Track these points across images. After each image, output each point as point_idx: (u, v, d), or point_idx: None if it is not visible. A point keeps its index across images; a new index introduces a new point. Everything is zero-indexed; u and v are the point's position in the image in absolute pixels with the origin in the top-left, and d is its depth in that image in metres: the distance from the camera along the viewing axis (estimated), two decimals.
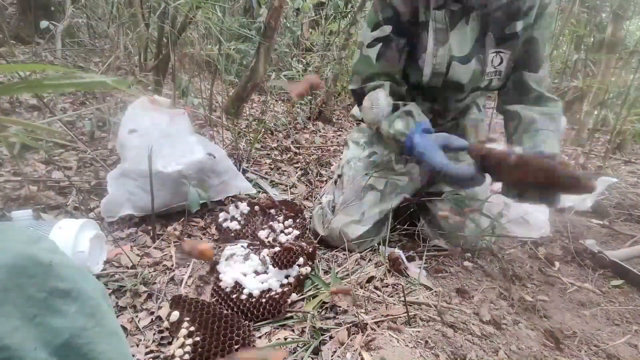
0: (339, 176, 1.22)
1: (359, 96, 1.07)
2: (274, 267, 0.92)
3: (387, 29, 1.01)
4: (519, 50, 1.04)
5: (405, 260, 1.02)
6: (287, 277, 0.92)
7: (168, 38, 1.64)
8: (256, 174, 1.58)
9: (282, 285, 0.90)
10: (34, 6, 2.62)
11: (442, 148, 0.89)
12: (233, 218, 1.17)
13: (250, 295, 0.86)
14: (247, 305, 0.83)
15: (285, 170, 1.70)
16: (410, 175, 1.19)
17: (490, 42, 1.01)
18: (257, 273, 0.93)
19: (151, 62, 1.88)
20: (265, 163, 1.73)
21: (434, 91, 1.09)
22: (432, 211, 1.20)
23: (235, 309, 0.82)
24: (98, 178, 1.30)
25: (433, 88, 1.07)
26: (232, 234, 1.10)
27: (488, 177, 0.87)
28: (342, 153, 1.38)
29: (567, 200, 1.50)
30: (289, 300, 0.86)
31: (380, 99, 0.99)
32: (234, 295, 0.86)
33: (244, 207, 1.20)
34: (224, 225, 1.13)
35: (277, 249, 0.98)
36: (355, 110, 1.37)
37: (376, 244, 1.15)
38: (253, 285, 0.88)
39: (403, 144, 0.95)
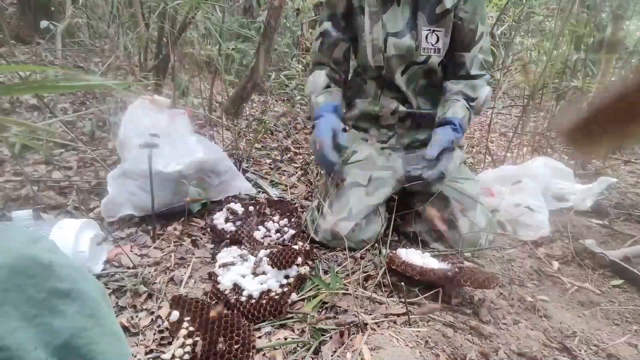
0: (324, 181, 1.25)
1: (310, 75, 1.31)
2: (273, 267, 0.92)
3: (325, 25, 1.22)
4: (453, 29, 1.15)
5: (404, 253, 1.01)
6: (286, 277, 0.92)
7: (168, 38, 1.64)
8: (256, 174, 1.58)
9: (281, 286, 0.90)
10: (34, 6, 2.62)
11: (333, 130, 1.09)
12: (228, 219, 1.16)
13: (249, 297, 0.86)
14: (248, 307, 0.83)
15: (285, 170, 1.70)
16: (392, 169, 1.21)
17: (423, 21, 1.13)
18: (255, 274, 0.93)
19: (151, 62, 1.88)
20: (265, 163, 1.73)
21: (384, 73, 1.22)
22: (423, 215, 1.20)
23: (235, 311, 0.82)
24: (98, 178, 1.30)
25: (381, 69, 1.21)
26: (228, 236, 1.10)
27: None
28: None
29: (567, 200, 1.50)
30: (289, 301, 0.86)
31: (320, 76, 1.25)
32: (234, 298, 0.86)
33: (238, 207, 1.20)
34: (219, 227, 1.12)
35: (274, 249, 0.98)
36: None
37: (375, 243, 1.15)
38: (252, 287, 0.88)
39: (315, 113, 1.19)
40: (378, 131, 1.31)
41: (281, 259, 0.92)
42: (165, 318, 0.79)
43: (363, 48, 1.19)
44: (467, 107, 1.15)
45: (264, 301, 0.84)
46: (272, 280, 0.90)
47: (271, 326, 0.81)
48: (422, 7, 1.13)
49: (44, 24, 2.01)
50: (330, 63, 1.26)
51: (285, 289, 0.88)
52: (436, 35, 1.14)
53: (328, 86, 1.24)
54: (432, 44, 1.15)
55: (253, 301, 0.85)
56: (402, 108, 1.25)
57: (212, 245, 1.10)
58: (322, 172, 1.71)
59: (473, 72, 1.18)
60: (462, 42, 1.17)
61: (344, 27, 1.21)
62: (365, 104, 1.30)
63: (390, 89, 1.25)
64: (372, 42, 1.16)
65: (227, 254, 0.99)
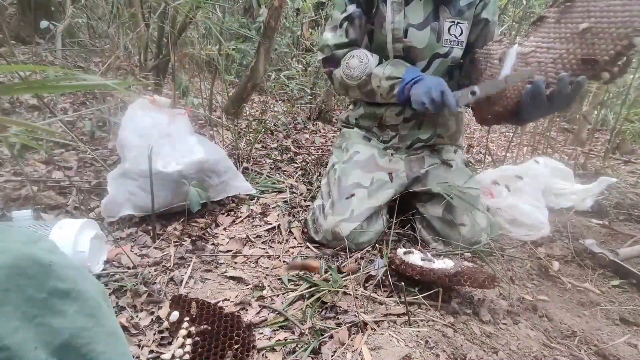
0: (326, 181, 1.26)
1: (330, 61, 1.22)
2: None
3: (350, 8, 1.17)
4: (475, 30, 1.17)
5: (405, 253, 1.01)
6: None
7: (168, 38, 1.64)
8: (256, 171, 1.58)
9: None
10: (34, 6, 2.63)
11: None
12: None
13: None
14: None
15: (285, 170, 1.70)
16: (396, 171, 1.20)
17: (445, 13, 1.13)
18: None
19: (151, 62, 1.88)
20: (266, 163, 1.73)
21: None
22: (425, 215, 1.20)
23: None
24: (98, 178, 1.30)
25: (399, 58, 1.17)
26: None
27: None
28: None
29: (567, 200, 1.50)
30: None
31: (367, 53, 1.16)
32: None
33: None
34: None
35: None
36: (342, 115, 1.41)
37: (376, 244, 1.15)
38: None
39: (394, 87, 1.12)
40: (381, 131, 1.31)
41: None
42: (165, 318, 0.79)
43: (381, 37, 1.17)
44: None
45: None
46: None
47: (270, 328, 0.81)
48: (446, 1, 1.13)
49: (44, 24, 2.01)
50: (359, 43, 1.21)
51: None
52: (460, 27, 1.14)
53: (379, 62, 1.17)
54: (455, 36, 1.15)
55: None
56: (408, 110, 1.24)
57: (212, 246, 1.10)
58: (322, 171, 1.71)
59: None
60: (483, 42, 1.17)
61: (367, 12, 1.18)
62: (371, 104, 1.30)
63: None
64: (392, 31, 1.14)
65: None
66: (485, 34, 1.18)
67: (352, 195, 1.14)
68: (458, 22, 1.14)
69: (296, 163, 1.82)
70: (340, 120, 1.45)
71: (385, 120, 1.28)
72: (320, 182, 1.54)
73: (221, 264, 1.02)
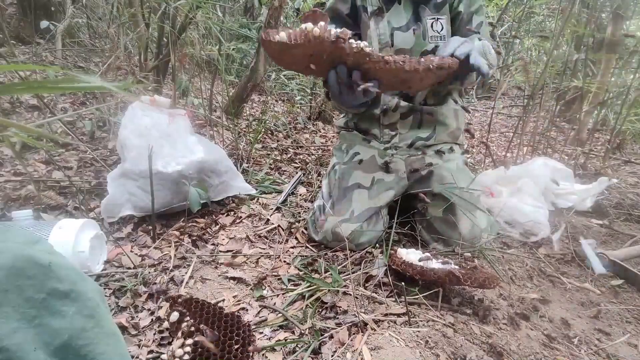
0: (327, 182, 1.26)
1: None
2: None
3: (338, 4, 1.21)
4: (453, 23, 1.20)
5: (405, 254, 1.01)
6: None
7: (168, 38, 1.64)
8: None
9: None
10: (34, 6, 2.63)
11: None
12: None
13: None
14: None
15: (285, 170, 1.70)
16: (396, 172, 1.21)
17: (425, 12, 1.17)
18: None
19: (151, 62, 1.88)
20: (266, 163, 1.73)
21: None
22: (425, 215, 1.20)
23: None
24: (98, 178, 1.30)
25: None
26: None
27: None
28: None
29: (567, 200, 1.50)
30: None
31: None
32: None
33: None
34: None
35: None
36: (339, 121, 1.41)
37: (376, 244, 1.15)
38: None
39: None
40: (380, 131, 1.31)
41: None
42: (165, 318, 0.79)
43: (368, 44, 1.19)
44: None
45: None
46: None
47: (270, 327, 0.81)
48: (424, 0, 1.17)
49: (44, 24, 2.01)
50: None
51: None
52: (440, 23, 1.18)
53: None
54: (437, 32, 1.18)
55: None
56: (403, 103, 1.24)
57: (212, 246, 1.10)
58: (322, 171, 1.71)
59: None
60: (457, 30, 1.20)
61: (351, 27, 1.20)
62: None
63: None
64: (378, 37, 1.18)
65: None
66: (458, 27, 1.20)
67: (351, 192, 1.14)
68: (438, 18, 1.18)
69: (296, 163, 1.82)
70: (338, 126, 1.44)
71: (383, 118, 1.28)
72: (320, 182, 1.54)
73: (221, 264, 1.02)
